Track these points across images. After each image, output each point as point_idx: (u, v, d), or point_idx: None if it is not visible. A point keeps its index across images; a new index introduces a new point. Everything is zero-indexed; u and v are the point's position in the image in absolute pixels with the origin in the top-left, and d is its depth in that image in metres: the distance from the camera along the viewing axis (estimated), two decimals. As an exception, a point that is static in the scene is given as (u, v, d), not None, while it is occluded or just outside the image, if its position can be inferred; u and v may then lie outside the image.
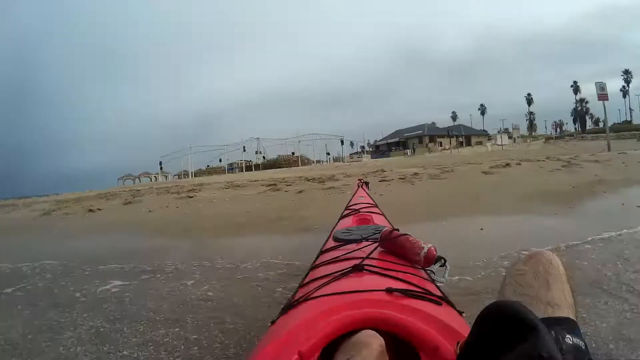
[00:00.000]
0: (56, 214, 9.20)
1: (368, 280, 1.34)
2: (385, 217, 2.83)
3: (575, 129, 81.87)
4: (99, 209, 9.00)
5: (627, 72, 74.82)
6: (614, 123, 65.36)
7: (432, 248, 1.57)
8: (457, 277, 3.00)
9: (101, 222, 7.53)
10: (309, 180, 11.32)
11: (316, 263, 1.80)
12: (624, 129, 55.17)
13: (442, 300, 1.24)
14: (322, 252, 1.98)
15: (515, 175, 8.91)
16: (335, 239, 2.06)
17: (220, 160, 64.24)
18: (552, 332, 0.71)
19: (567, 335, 0.74)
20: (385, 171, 11.97)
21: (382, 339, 0.96)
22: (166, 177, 58.96)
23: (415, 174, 9.97)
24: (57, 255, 5.08)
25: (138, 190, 12.55)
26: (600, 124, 73.48)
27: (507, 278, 0.98)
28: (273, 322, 1.26)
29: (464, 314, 1.25)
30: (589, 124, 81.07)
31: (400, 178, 9.45)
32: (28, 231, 7.66)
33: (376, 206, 3.26)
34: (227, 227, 5.92)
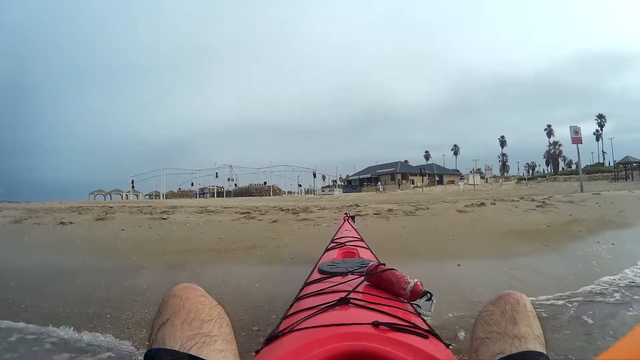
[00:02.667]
0: (27, 222, 8.96)
1: (354, 313, 1.36)
2: (371, 251, 2.84)
3: (548, 170, 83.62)
4: (71, 222, 8.80)
5: (601, 117, 77.11)
6: (587, 165, 66.93)
7: (419, 283, 1.62)
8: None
9: (72, 236, 7.38)
10: (282, 210, 11.29)
11: (301, 294, 1.81)
12: (596, 170, 56.80)
13: (429, 333, 1.25)
14: (306, 284, 2.00)
15: (490, 214, 9.07)
16: (321, 271, 2.09)
17: (192, 185, 63.64)
18: None
19: None
20: (359, 206, 12.04)
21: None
22: (137, 196, 57.96)
23: (390, 210, 10.07)
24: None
25: (110, 207, 12.27)
26: (572, 165, 75.26)
27: (478, 319, 1.04)
28: (257, 352, 1.29)
29: (450, 347, 1.27)
30: (562, 166, 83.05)
31: (375, 213, 9.54)
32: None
33: (362, 240, 3.27)
34: (200, 251, 5.89)
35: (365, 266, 1.86)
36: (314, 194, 55.83)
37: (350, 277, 1.87)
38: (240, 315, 3.25)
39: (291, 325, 1.32)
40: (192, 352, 0.82)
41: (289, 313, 1.58)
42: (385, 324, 1.19)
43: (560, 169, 79.63)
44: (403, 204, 12.29)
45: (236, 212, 10.87)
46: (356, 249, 2.76)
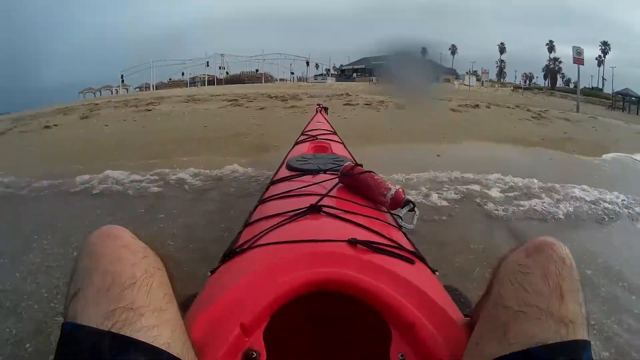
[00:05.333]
0: (12, 132, 8.57)
1: (326, 226, 1.17)
2: (345, 147, 2.60)
3: (545, 84, 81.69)
4: (55, 125, 8.55)
5: (605, 44, 73.06)
6: (585, 87, 65.05)
7: (400, 190, 1.45)
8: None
9: (54, 139, 7.23)
10: (271, 97, 11.12)
11: (265, 196, 1.61)
12: (594, 94, 55.29)
13: (415, 256, 1.06)
14: (273, 182, 1.80)
15: (484, 117, 9.00)
16: (290, 167, 1.87)
17: (182, 74, 62.20)
18: None
19: None
20: (350, 95, 11.78)
21: None
22: (127, 90, 56.84)
23: (382, 101, 9.81)
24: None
25: (96, 104, 11.96)
26: (570, 84, 72.88)
27: (504, 273, 0.71)
28: (213, 272, 1.08)
29: (437, 273, 1.10)
30: (560, 83, 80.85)
31: (366, 104, 9.39)
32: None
33: (335, 134, 2.98)
34: (184, 141, 5.80)
35: (339, 164, 1.68)
36: (306, 82, 54.80)
37: (322, 177, 1.65)
38: (212, 208, 3.26)
39: (252, 239, 1.12)
40: (119, 316, 0.64)
41: (250, 220, 1.38)
42: (364, 243, 0.98)
43: (558, 85, 77.36)
44: (395, 96, 12.02)
45: (224, 100, 10.68)
46: (329, 143, 2.53)
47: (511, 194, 3.68)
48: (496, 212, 3.25)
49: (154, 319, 0.65)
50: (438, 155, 5.01)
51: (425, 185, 3.81)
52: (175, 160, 4.75)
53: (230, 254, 1.10)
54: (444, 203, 3.39)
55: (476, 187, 3.80)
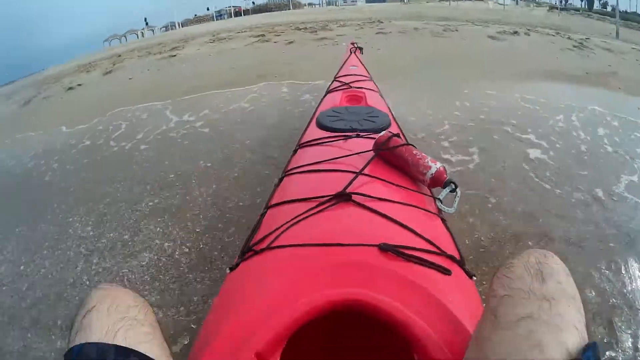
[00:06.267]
0: (36, 99, 8.21)
1: (356, 222, 1.04)
2: (381, 95, 2.40)
3: (582, 5, 76.69)
4: (79, 85, 8.31)
5: None
6: (624, 11, 60.40)
7: (442, 169, 1.29)
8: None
9: (78, 101, 7.01)
10: (300, 29, 10.82)
11: (291, 166, 1.48)
12: (633, 19, 51.52)
13: (453, 261, 0.96)
14: (301, 145, 1.64)
15: (524, 46, 8.27)
16: (320, 125, 1.74)
17: (207, 9, 61.38)
18: None
19: None
20: (382, 22, 11.30)
21: None
22: (153, 31, 56.44)
23: (416, 28, 9.44)
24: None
25: (119, 56, 11.72)
26: (608, 7, 68.12)
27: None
28: (232, 269, 1.01)
29: (474, 278, 0.99)
30: (597, 5, 75.88)
31: (400, 32, 8.96)
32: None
33: (371, 79, 2.75)
34: (210, 87, 5.50)
35: (374, 122, 1.62)
36: (336, 5, 53.30)
37: (355, 143, 1.51)
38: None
39: (274, 232, 1.02)
40: (120, 334, 0.66)
41: (274, 201, 1.26)
42: (396, 251, 0.87)
43: (595, 7, 72.09)
44: (430, 21, 11.38)
45: (250, 36, 10.49)
46: (363, 93, 2.30)
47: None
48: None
49: (150, 330, 0.71)
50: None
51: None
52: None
53: (249, 251, 1.03)
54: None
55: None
